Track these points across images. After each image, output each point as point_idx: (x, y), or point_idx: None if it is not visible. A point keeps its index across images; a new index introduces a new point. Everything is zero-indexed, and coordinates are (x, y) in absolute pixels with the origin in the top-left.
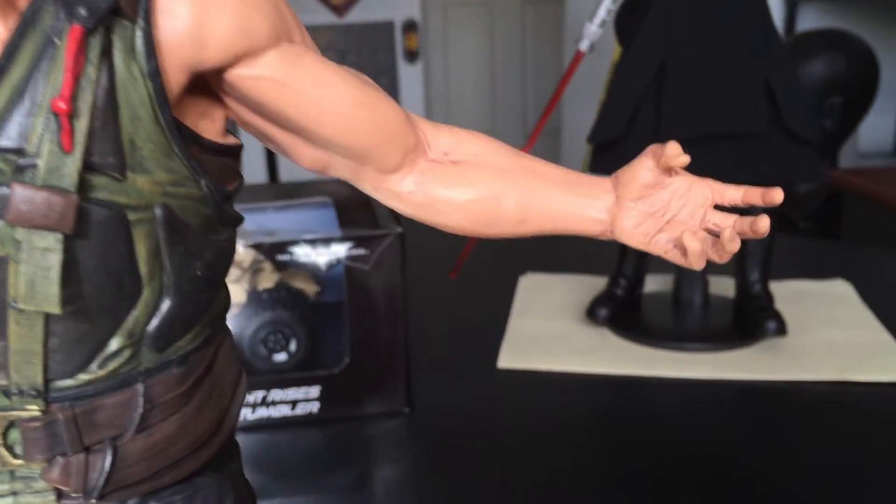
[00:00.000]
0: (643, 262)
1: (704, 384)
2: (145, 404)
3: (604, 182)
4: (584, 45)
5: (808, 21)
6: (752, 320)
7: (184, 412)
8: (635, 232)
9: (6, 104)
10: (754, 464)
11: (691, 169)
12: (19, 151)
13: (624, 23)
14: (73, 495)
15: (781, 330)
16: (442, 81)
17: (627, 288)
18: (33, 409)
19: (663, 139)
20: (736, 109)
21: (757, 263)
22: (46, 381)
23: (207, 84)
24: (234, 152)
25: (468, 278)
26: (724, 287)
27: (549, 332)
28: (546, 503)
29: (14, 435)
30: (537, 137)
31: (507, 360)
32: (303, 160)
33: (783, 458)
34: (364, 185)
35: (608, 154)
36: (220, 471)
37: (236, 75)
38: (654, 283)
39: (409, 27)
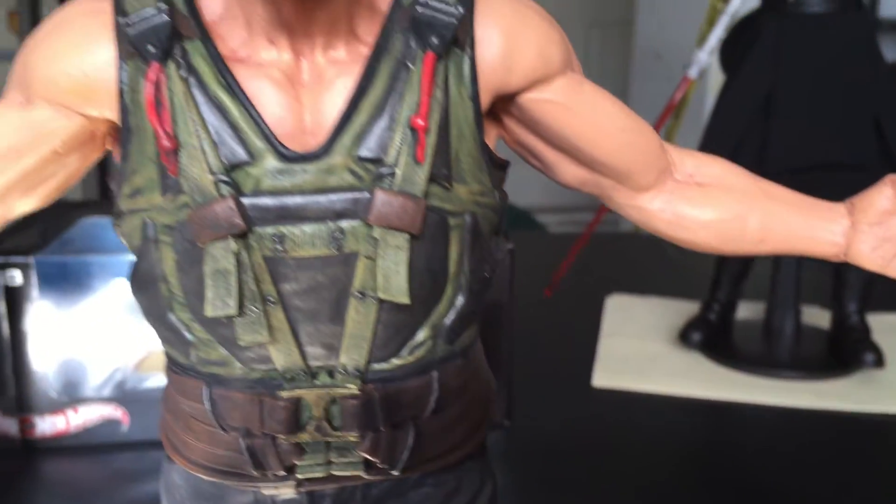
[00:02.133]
0: (737, 288)
1: (799, 413)
2: (439, 389)
3: (838, 207)
4: (693, 72)
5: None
6: (848, 351)
7: (463, 399)
8: (873, 255)
9: (368, 119)
10: (851, 495)
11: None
12: (378, 161)
13: (730, 51)
14: (380, 466)
15: (880, 362)
16: None
17: (721, 313)
18: (353, 388)
19: (770, 168)
20: (843, 141)
21: (855, 295)
22: (367, 364)
23: (490, 106)
24: (506, 167)
25: (555, 296)
26: (815, 317)
27: (642, 354)
28: None
29: (334, 410)
30: None
31: (602, 378)
32: (565, 176)
33: (881, 492)
34: (615, 200)
35: None
36: (478, 459)
37: (529, 98)
38: (745, 310)
39: None
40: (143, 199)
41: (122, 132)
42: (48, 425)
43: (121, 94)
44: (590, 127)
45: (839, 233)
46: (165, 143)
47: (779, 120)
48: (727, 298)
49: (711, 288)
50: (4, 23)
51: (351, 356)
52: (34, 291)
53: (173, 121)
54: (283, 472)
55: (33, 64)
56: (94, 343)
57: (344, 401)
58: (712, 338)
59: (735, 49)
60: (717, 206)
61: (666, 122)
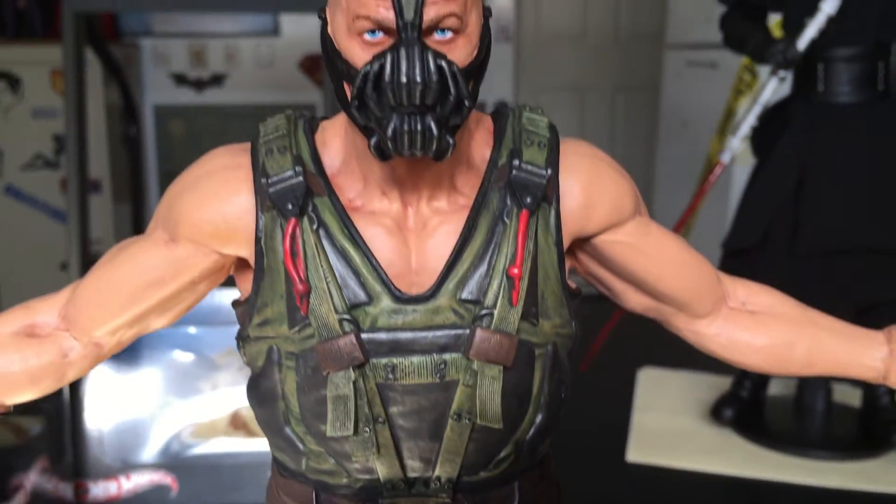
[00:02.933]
0: None
1: (829, 493)
2: (519, 497)
3: (878, 335)
4: (725, 158)
5: None
6: (878, 432)
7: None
8: None
9: (469, 267)
10: None
11: (830, 281)
12: (477, 303)
13: (761, 137)
14: None
15: None
16: None
17: (752, 390)
18: (445, 498)
19: (800, 252)
20: (874, 226)
21: None
22: (459, 476)
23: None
24: (580, 295)
25: (589, 368)
26: (846, 395)
27: (674, 429)
28: None
29: None
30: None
31: (636, 454)
32: (630, 303)
33: None
34: (675, 324)
35: (741, 260)
36: None
37: (602, 240)
38: (777, 386)
39: None
40: (270, 328)
41: (255, 272)
42: (101, 490)
43: (257, 240)
44: (655, 263)
45: (879, 359)
46: (300, 287)
47: (809, 205)
48: (759, 376)
49: None
50: (47, 80)
51: (445, 469)
52: None
53: (305, 267)
54: None
55: (179, 209)
56: (147, 411)
57: None
58: (744, 415)
59: (766, 135)
60: (768, 333)
61: (699, 204)
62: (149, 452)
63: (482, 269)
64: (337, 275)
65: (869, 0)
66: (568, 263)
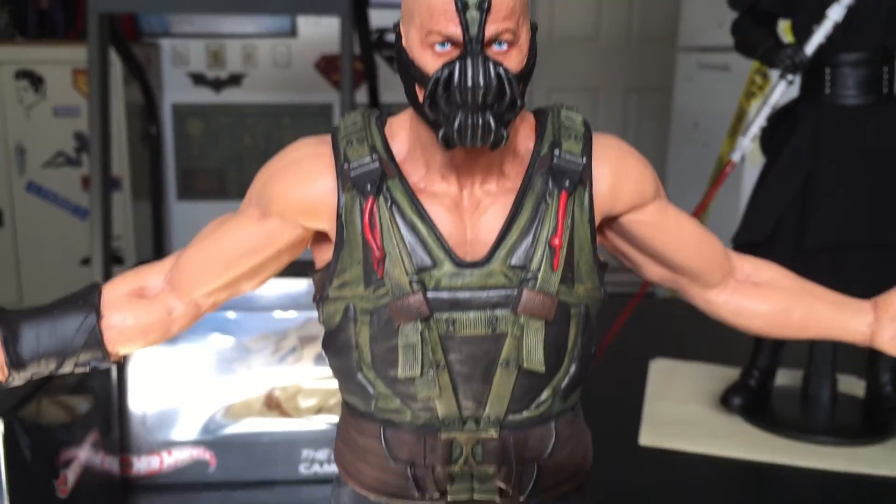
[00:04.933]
0: (776, 356)
1: (833, 475)
2: (555, 436)
3: (866, 304)
4: (736, 157)
5: None
6: (882, 419)
7: (571, 444)
8: (892, 343)
9: (517, 239)
10: None
11: (835, 275)
12: (524, 268)
13: (769, 137)
14: (510, 493)
15: None
16: None
17: (760, 379)
18: (493, 433)
19: (807, 246)
20: (878, 222)
21: (888, 366)
22: (505, 415)
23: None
24: (606, 267)
25: (602, 359)
26: (851, 386)
27: (685, 416)
28: None
29: (477, 449)
30: None
31: (648, 438)
32: (650, 274)
33: None
34: (689, 293)
35: (750, 254)
36: (579, 494)
37: (627, 219)
38: (784, 378)
39: None
40: (348, 289)
41: (336, 242)
42: (144, 464)
43: (339, 215)
44: (673, 239)
45: (865, 324)
46: (377, 253)
47: (816, 201)
48: (767, 366)
49: (752, 355)
50: (69, 79)
51: (494, 409)
52: None
53: (381, 237)
54: (437, 495)
55: (272, 189)
56: (187, 392)
57: (486, 442)
58: (752, 403)
59: (774, 135)
60: (770, 301)
61: (711, 200)
62: (188, 430)
63: (528, 240)
64: (407, 244)
65: (874, 8)
66: (598, 239)
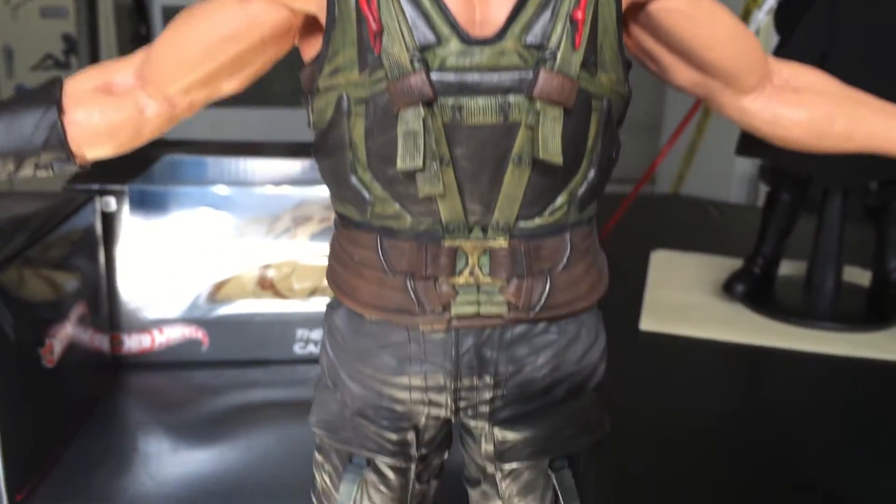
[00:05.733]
0: (782, 243)
1: (838, 359)
2: (570, 248)
3: None
4: (751, 28)
5: None
6: (887, 306)
7: (586, 260)
8: None
9: (534, 13)
10: (883, 438)
11: (850, 160)
12: (541, 47)
13: (785, 13)
14: (519, 308)
15: None
16: None
17: (764, 267)
18: (502, 242)
19: None
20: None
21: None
22: (515, 221)
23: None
24: (631, 66)
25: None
26: (856, 276)
27: (686, 303)
28: (677, 459)
29: (484, 260)
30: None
31: (649, 323)
32: (678, 79)
33: None
34: (721, 101)
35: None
36: (594, 315)
37: (656, 7)
38: (788, 268)
39: None
40: (341, 76)
41: (327, 22)
42: (135, 343)
43: None
44: (705, 31)
45: None
46: (374, 26)
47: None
48: (772, 253)
49: (756, 242)
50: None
51: (503, 213)
52: (126, 218)
53: (378, 8)
54: (440, 309)
55: None
56: (178, 268)
57: (494, 252)
58: (755, 290)
59: (789, 12)
60: (810, 107)
61: None
62: (180, 309)
63: (546, 14)
64: (407, 16)
65: None
66: (623, 38)
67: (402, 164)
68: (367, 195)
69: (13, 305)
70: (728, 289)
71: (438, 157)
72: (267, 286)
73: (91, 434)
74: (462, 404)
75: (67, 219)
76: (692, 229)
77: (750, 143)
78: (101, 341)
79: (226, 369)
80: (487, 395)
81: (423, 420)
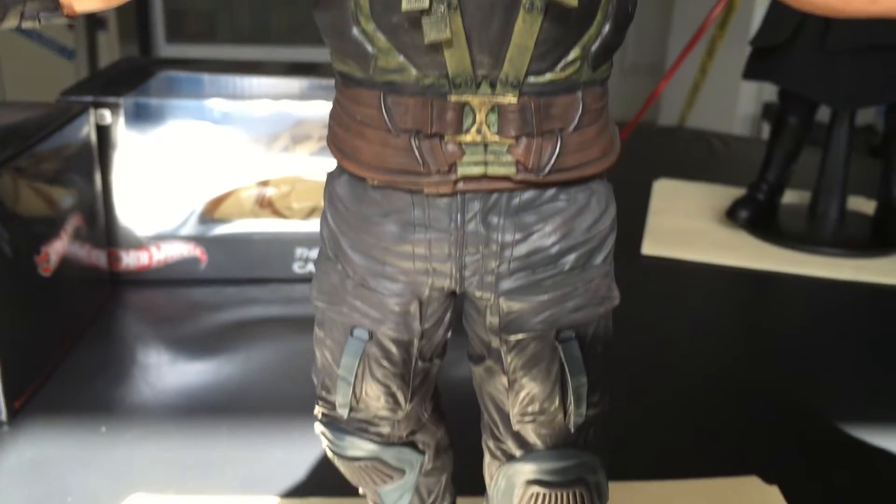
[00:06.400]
0: (787, 170)
1: (840, 283)
2: (582, 108)
3: None
4: None
5: None
6: (891, 232)
7: (599, 123)
8: None
9: None
10: (883, 358)
11: (857, 78)
12: None
13: None
14: (528, 169)
15: None
16: None
17: (768, 193)
18: (511, 98)
19: (830, 47)
20: None
21: None
22: (525, 76)
23: None
24: None
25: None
26: (860, 205)
27: (689, 228)
28: (674, 379)
29: (492, 117)
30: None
31: (650, 248)
32: None
33: None
34: None
35: (769, 58)
36: (604, 184)
37: None
38: (792, 197)
39: None
40: None
41: None
42: (133, 259)
43: None
44: None
45: None
46: None
47: None
48: (776, 180)
49: (762, 168)
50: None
51: (513, 65)
52: (121, 131)
53: None
54: (445, 169)
55: None
56: (174, 183)
57: (503, 108)
58: (758, 217)
59: None
60: None
61: (709, 31)
62: (177, 225)
63: None
64: None
65: None
66: None
67: (406, 4)
68: (369, 48)
69: (8, 215)
70: (731, 215)
71: (446, 0)
72: (266, 205)
73: (89, 346)
74: (467, 273)
75: (61, 129)
76: (695, 161)
77: (757, 67)
78: (99, 257)
79: (224, 287)
80: (493, 263)
81: (426, 291)
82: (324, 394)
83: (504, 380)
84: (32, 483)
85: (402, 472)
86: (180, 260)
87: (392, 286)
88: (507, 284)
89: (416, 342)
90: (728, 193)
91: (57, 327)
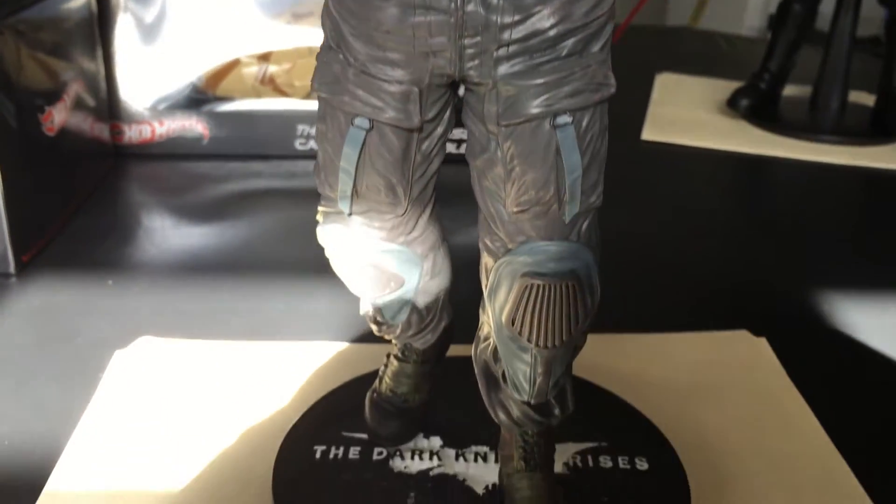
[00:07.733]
0: (790, 60)
1: (839, 168)
2: None
3: None
4: None
5: None
6: (891, 121)
7: None
8: None
9: None
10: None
11: None
12: None
13: None
14: None
15: None
16: None
17: (770, 83)
18: None
19: None
20: None
21: None
22: None
23: None
24: None
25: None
26: (862, 98)
27: (690, 118)
28: (670, 257)
29: None
30: None
31: (651, 133)
32: None
33: None
34: None
35: None
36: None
37: None
38: (793, 91)
39: None
40: None
41: None
42: (135, 133)
43: None
44: None
45: None
46: None
47: None
48: (779, 69)
49: (764, 57)
50: None
51: None
52: (122, 3)
53: None
54: None
55: None
56: (175, 58)
57: None
58: (759, 106)
59: None
60: None
61: None
62: (180, 101)
63: None
64: None
65: None
66: None
67: None
68: None
69: (12, 82)
70: (732, 103)
71: None
72: (267, 82)
73: (95, 211)
74: (467, 57)
75: None
76: (701, 58)
77: None
78: (101, 129)
79: (227, 161)
80: (492, 47)
81: (426, 78)
82: (326, 190)
83: (501, 170)
84: (41, 326)
85: (401, 279)
86: (183, 134)
87: (393, 72)
88: (505, 69)
89: (415, 135)
90: (730, 87)
91: (62, 190)
